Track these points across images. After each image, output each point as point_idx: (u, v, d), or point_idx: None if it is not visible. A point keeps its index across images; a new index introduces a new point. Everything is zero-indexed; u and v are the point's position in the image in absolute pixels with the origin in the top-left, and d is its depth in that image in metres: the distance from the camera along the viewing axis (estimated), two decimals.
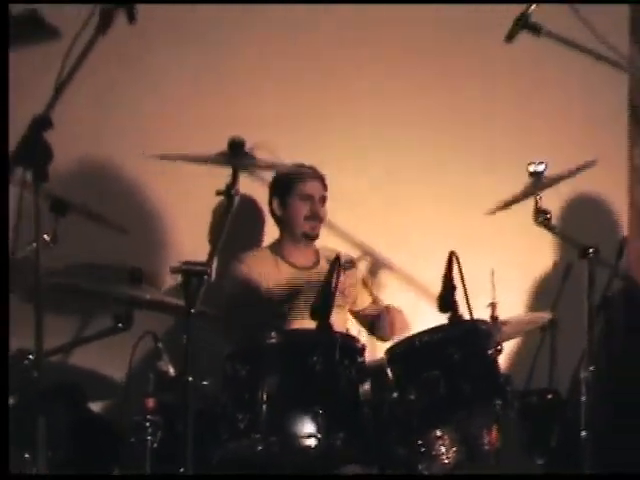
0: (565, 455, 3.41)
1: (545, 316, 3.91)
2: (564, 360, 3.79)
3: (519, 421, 3.46)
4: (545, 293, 4.35)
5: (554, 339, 3.95)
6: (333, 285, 2.88)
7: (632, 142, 4.64)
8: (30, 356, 2.73)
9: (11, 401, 3.00)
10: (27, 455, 2.66)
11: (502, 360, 3.12)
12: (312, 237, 3.81)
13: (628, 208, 4.60)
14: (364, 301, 3.90)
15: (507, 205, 3.46)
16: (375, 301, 3.92)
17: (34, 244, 2.68)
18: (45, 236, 2.89)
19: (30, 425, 2.28)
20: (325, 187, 3.83)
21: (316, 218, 3.78)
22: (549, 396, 3.62)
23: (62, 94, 2.24)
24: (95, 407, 3.74)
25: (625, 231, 4.50)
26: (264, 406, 2.73)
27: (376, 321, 3.83)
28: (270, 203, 3.84)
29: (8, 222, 2.16)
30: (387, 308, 3.78)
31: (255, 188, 3.92)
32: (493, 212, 3.49)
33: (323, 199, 3.81)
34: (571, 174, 3.64)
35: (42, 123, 2.18)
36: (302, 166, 3.78)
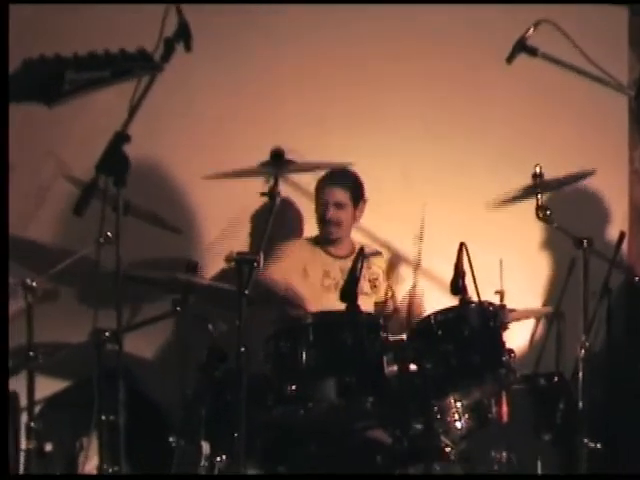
0: (569, 431, 3.69)
1: (547, 310, 4.20)
2: (569, 346, 3.99)
3: (528, 401, 3.78)
4: (551, 283, 4.58)
5: (560, 326, 4.23)
6: (358, 273, 3.19)
7: (632, 146, 4.85)
8: (106, 333, 3.10)
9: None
10: (104, 417, 3.03)
11: (514, 347, 3.35)
12: (328, 241, 4.03)
13: (628, 207, 4.81)
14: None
15: (512, 200, 3.79)
16: (392, 296, 4.14)
17: (101, 239, 3.10)
18: (109, 233, 3.05)
19: (112, 393, 2.54)
20: (346, 193, 3.96)
21: (327, 223, 3.97)
22: (555, 378, 3.89)
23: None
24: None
25: (624, 226, 4.63)
26: (304, 376, 3.06)
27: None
28: None
29: (8, 222, 2.26)
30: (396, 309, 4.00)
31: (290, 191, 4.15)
32: (497, 205, 3.81)
33: (338, 205, 3.96)
34: (571, 180, 4.01)
35: (121, 138, 2.43)
36: (338, 171, 3.96)
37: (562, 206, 4.09)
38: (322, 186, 3.99)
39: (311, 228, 4.24)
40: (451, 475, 3.27)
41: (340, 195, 3.98)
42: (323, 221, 4.01)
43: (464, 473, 3.34)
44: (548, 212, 3.75)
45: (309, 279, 4.01)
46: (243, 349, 2.72)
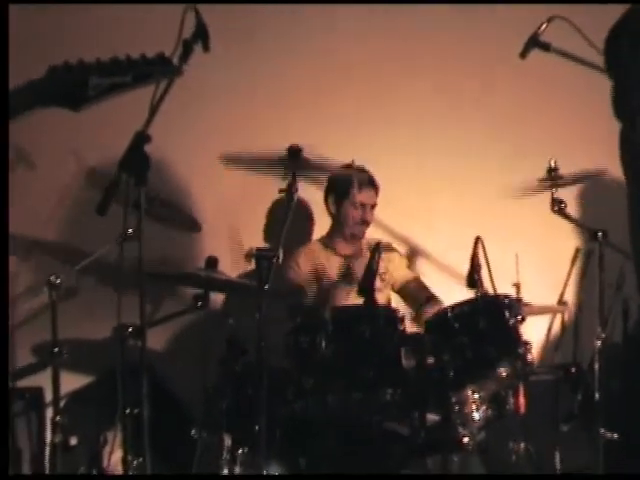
0: (587, 422, 3.73)
1: (563, 308, 4.23)
2: (586, 337, 4.01)
3: (545, 392, 3.81)
4: (567, 276, 4.46)
5: (577, 318, 4.27)
6: (375, 267, 3.25)
7: None
8: (130, 329, 3.17)
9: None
10: (127, 411, 3.09)
11: (531, 338, 3.36)
12: (359, 238, 4.11)
13: None
14: (404, 277, 4.16)
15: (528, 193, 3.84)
16: (416, 279, 4.18)
17: (122, 237, 3.14)
18: (130, 230, 3.02)
19: (135, 387, 2.60)
20: (377, 194, 4.06)
21: (364, 224, 4.07)
22: (572, 370, 3.93)
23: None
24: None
25: None
26: (323, 370, 3.09)
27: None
28: (326, 199, 4.09)
29: (8, 221, 2.21)
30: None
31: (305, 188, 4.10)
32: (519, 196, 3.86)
33: (373, 206, 4.08)
34: (583, 177, 4.04)
35: (142, 138, 2.50)
36: (362, 171, 3.95)
37: (577, 199, 4.15)
38: (358, 187, 3.99)
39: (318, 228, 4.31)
40: (462, 475, 3.30)
41: (375, 197, 4.08)
42: (361, 223, 4.07)
43: (482, 464, 3.37)
44: (563, 205, 3.79)
45: (329, 279, 4.07)
46: (263, 343, 2.75)
